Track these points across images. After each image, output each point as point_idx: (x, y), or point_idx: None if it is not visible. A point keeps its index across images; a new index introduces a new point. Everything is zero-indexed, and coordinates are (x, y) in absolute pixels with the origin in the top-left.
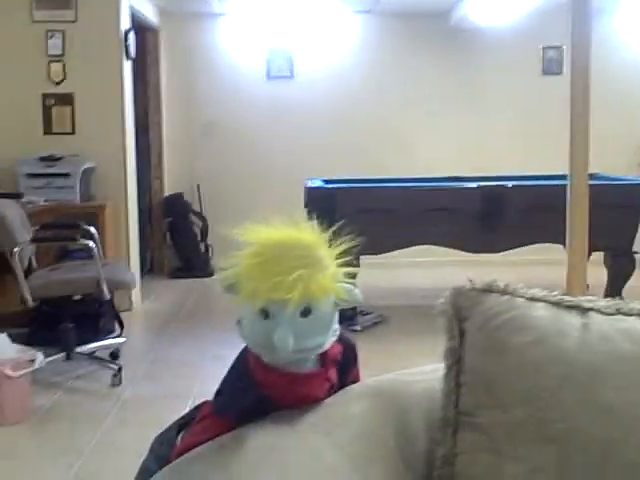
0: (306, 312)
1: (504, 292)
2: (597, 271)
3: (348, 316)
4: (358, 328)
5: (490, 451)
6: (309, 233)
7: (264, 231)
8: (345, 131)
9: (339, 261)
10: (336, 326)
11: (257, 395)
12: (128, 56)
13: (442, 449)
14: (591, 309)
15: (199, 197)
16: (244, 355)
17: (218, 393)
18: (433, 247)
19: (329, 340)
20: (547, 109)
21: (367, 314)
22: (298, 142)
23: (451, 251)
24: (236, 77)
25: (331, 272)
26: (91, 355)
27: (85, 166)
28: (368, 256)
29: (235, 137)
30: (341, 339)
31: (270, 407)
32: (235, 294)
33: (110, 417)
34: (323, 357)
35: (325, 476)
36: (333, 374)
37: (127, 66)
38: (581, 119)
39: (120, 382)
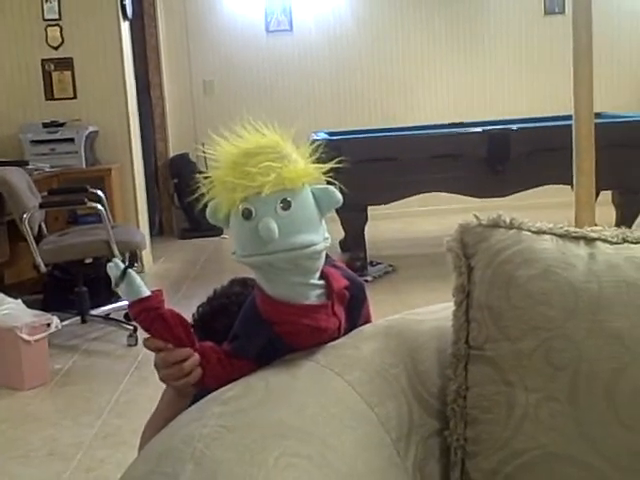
0: (286, 204)
1: (510, 226)
2: (606, 211)
3: (357, 267)
4: (369, 278)
5: (501, 382)
6: (270, 136)
7: (228, 144)
8: (348, 82)
9: (311, 159)
10: (327, 234)
11: (269, 334)
12: (125, 17)
13: (454, 384)
14: (597, 239)
15: (204, 156)
16: (252, 296)
17: (234, 337)
18: (441, 195)
19: (321, 242)
20: (550, 49)
21: (377, 264)
22: (301, 96)
23: (459, 198)
24: (235, 33)
25: (302, 164)
26: (106, 317)
27: (89, 131)
28: (376, 207)
29: (237, 93)
30: (347, 276)
31: (283, 348)
32: (219, 216)
33: (128, 377)
34: (328, 290)
35: (342, 415)
36: (340, 311)
37: (125, 27)
38: (584, 57)
39: (136, 342)
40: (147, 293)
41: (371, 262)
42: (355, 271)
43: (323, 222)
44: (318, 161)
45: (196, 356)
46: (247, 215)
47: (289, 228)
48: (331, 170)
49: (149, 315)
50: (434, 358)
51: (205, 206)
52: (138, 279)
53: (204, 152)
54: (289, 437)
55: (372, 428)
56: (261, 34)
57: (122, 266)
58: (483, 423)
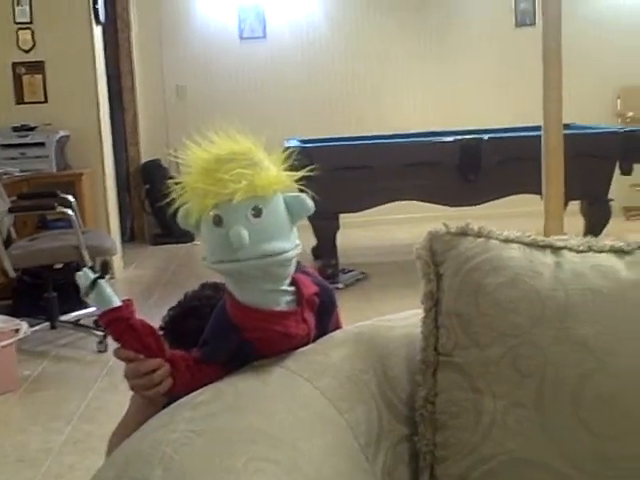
0: (257, 212)
1: (478, 235)
2: (575, 221)
3: (329, 274)
4: (340, 286)
5: (469, 389)
6: (243, 142)
7: (200, 150)
8: (321, 90)
9: (283, 167)
10: (298, 241)
11: (239, 339)
12: (98, 21)
13: (423, 390)
14: (564, 248)
15: (177, 162)
16: (222, 301)
17: (203, 343)
18: (413, 204)
19: (292, 249)
20: (521, 61)
21: (349, 272)
22: (274, 103)
23: (431, 207)
24: (208, 39)
25: (274, 172)
26: (76, 323)
27: (59, 135)
28: (348, 215)
29: (210, 99)
30: (317, 282)
31: (253, 353)
32: (190, 221)
33: (97, 383)
34: (298, 296)
35: (311, 421)
36: (310, 317)
37: (97, 31)
38: (553, 69)
39: (106, 349)
40: (118, 303)
41: (343, 269)
42: (327, 278)
43: (294, 229)
44: (290, 168)
45: (167, 366)
46: (218, 222)
47: (260, 235)
48: (303, 178)
49: (120, 325)
50: (404, 364)
51: (177, 211)
52: (109, 289)
53: (176, 157)
54: (258, 442)
55: (341, 433)
56: (235, 40)
57: (92, 276)
58: (451, 429)
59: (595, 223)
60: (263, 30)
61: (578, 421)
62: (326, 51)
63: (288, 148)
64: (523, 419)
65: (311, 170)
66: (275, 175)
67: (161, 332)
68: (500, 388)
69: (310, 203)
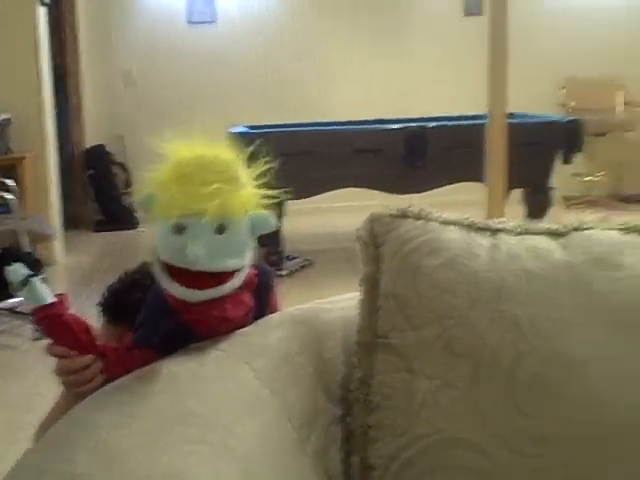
0: (221, 229)
1: (418, 217)
2: (516, 210)
3: (274, 261)
4: (284, 273)
5: (404, 370)
6: (227, 152)
7: (183, 146)
8: (272, 76)
9: (257, 183)
10: (251, 253)
11: (175, 321)
12: (42, 1)
13: (359, 372)
14: (501, 230)
15: (123, 148)
16: (157, 285)
17: (139, 326)
18: (360, 191)
19: (246, 266)
20: (469, 50)
21: (293, 258)
22: (223, 89)
23: (377, 195)
24: (157, 23)
25: (249, 191)
26: (12, 310)
27: (1, 118)
28: (294, 202)
29: (158, 85)
30: (256, 265)
31: (190, 336)
32: (150, 208)
33: (35, 370)
34: None
35: (246, 403)
36: (248, 298)
37: (41, 12)
38: (499, 58)
39: (42, 337)
40: (51, 299)
41: (287, 257)
42: (271, 266)
43: (251, 240)
44: (264, 184)
45: (99, 363)
46: (178, 230)
47: (217, 252)
48: (252, 163)
49: (52, 322)
50: (340, 346)
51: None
52: (42, 285)
53: (158, 144)
54: (192, 424)
55: (275, 415)
56: (183, 25)
57: (24, 273)
58: (385, 410)
59: (536, 211)
60: (212, 14)
61: (511, 402)
62: (277, 37)
63: (234, 134)
64: (456, 400)
65: (257, 157)
66: (249, 195)
67: (100, 309)
68: (434, 369)
69: (273, 222)
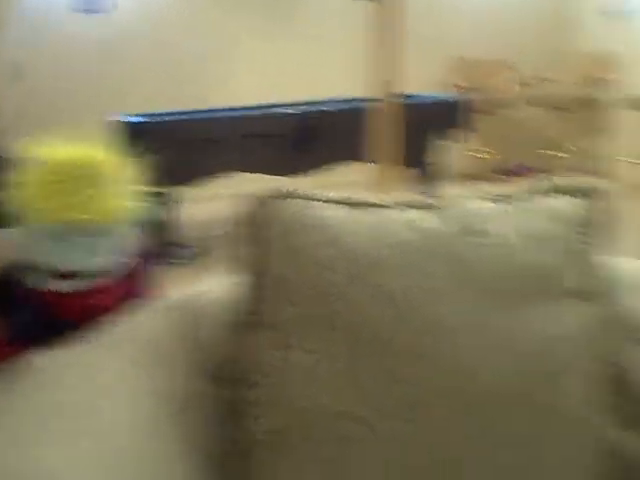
0: (95, 232)
1: (301, 197)
2: (405, 186)
3: (166, 251)
4: (175, 261)
5: (281, 347)
6: (102, 152)
7: (55, 149)
8: (167, 65)
9: (134, 179)
10: (130, 245)
11: (44, 315)
12: None
13: (237, 350)
14: (381, 206)
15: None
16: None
17: (7, 323)
18: (253, 177)
19: (120, 260)
20: (360, 33)
21: (186, 247)
22: (118, 79)
23: (268, 179)
24: (48, 13)
25: (125, 191)
26: None
27: None
28: (190, 190)
29: (49, 78)
30: (135, 253)
31: (61, 328)
32: (23, 213)
33: None
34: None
35: (118, 390)
36: (122, 286)
37: None
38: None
39: None
40: None
41: (180, 244)
42: (164, 255)
43: (130, 235)
44: (150, 174)
45: None
46: (52, 235)
47: (90, 254)
48: (137, 152)
49: None
50: (219, 327)
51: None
52: None
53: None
54: (65, 415)
55: (149, 400)
56: (72, 14)
57: None
58: (264, 386)
59: (422, 187)
60: (104, 2)
61: (388, 372)
62: (173, 25)
63: (122, 123)
64: (336, 373)
65: (141, 146)
66: (124, 194)
67: None
68: (314, 345)
69: (157, 212)
